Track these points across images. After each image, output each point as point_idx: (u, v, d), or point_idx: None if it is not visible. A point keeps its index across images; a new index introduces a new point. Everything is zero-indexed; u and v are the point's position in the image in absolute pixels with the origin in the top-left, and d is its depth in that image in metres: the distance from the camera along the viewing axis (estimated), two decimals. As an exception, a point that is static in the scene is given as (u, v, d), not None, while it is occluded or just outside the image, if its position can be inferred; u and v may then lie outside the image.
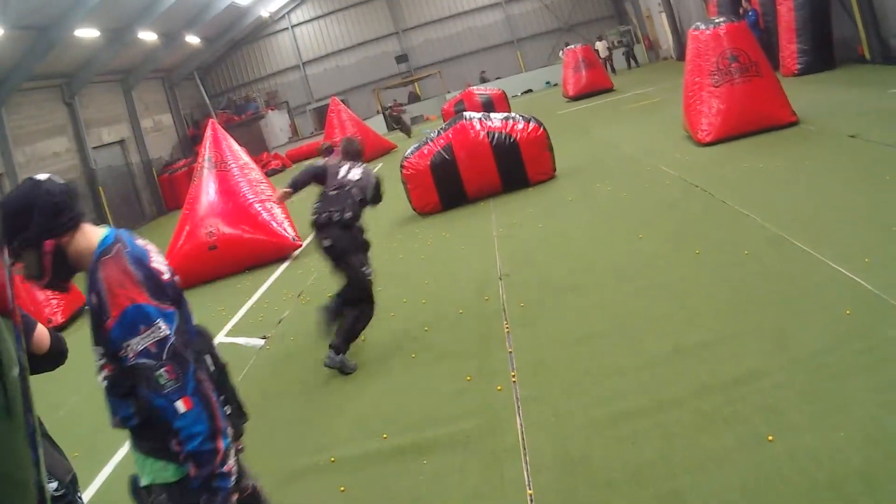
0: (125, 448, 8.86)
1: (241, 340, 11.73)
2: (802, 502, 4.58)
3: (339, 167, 9.57)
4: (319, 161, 10.23)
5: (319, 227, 9.30)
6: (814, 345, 6.39)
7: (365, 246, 9.49)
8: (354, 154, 9.83)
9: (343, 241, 9.15)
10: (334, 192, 9.28)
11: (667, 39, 43.94)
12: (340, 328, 9.22)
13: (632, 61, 46.10)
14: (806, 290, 7.54)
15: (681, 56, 30.71)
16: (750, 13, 25.02)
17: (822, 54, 21.45)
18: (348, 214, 9.10)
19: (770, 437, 5.26)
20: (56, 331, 4.74)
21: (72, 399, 11.44)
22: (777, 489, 4.76)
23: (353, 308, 9.31)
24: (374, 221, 17.96)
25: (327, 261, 9.42)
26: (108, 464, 8.58)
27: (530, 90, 50.48)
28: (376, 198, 9.74)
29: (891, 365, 5.73)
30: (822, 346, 6.32)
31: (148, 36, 38.57)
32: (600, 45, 45.12)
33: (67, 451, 9.16)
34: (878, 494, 4.47)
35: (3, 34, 25.99)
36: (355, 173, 9.47)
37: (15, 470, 1.42)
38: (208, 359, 4.01)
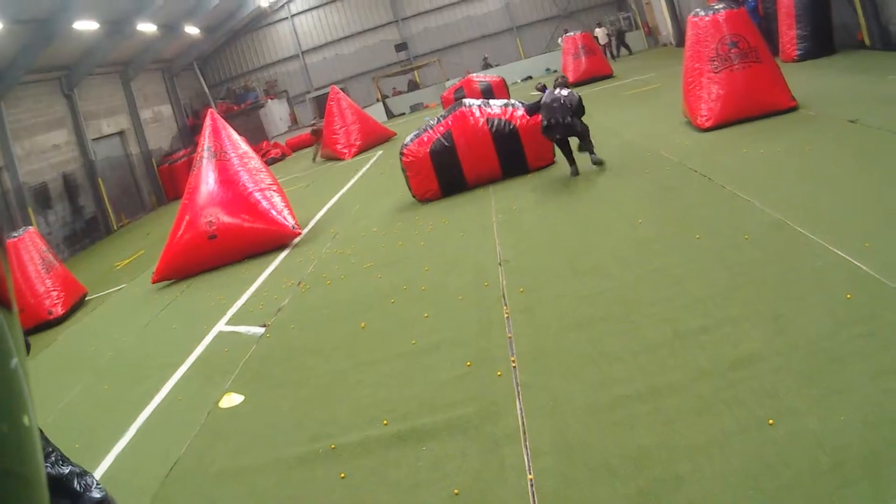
0: (126, 438, 8.93)
1: (241, 329, 11.75)
2: (804, 486, 4.58)
3: (554, 90, 15.05)
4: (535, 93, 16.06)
5: (551, 128, 14.91)
6: (813, 329, 6.39)
7: (583, 128, 15.12)
8: (563, 83, 15.37)
9: (568, 130, 14.90)
10: (557, 105, 14.76)
11: (666, 26, 43.80)
12: (582, 147, 15.32)
13: (622, 49, 45.48)
14: (805, 275, 7.54)
15: (680, 42, 30.61)
16: (749, -1, 24.98)
17: (822, 40, 21.37)
18: (567, 118, 14.68)
19: (770, 421, 5.26)
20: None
21: (73, 391, 11.47)
22: (778, 473, 4.76)
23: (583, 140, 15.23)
24: (373, 208, 18.11)
25: (561, 145, 15.29)
26: (109, 454, 8.61)
27: (530, 77, 50.30)
28: (580, 110, 14.99)
29: (891, 349, 5.73)
30: (822, 331, 6.31)
31: (147, 27, 38.30)
32: (599, 32, 44.94)
33: (68, 443, 9.26)
34: (879, 479, 4.47)
35: (3, 28, 25.85)
36: (564, 92, 14.91)
37: (20, 466, 1.42)
38: None
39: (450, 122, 16.73)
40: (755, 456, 4.99)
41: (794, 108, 15.00)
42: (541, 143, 16.57)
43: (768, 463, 4.88)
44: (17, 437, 1.40)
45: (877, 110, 13.35)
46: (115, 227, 34.31)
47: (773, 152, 12.54)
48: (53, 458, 6.26)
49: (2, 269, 1.47)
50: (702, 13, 16.12)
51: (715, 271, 8.32)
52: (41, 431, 5.65)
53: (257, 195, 16.67)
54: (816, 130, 13.29)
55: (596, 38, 41.20)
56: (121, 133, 39.36)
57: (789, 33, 21.68)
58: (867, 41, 20.40)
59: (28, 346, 7.46)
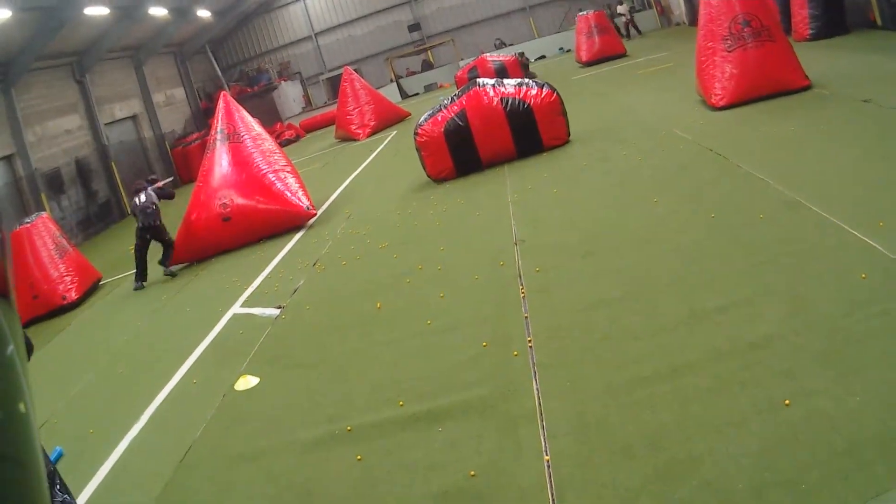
0: (140, 423, 8.96)
1: (256, 311, 11.79)
2: (819, 468, 4.60)
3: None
4: None
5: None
6: (829, 309, 6.39)
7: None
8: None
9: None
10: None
11: (679, 5, 43.61)
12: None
13: (632, 29, 44.93)
14: (821, 254, 7.54)
15: (693, 22, 30.52)
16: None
17: (834, 19, 21.21)
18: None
19: (786, 402, 5.27)
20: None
21: (87, 376, 11.53)
22: (794, 454, 4.77)
23: None
24: (388, 188, 18.12)
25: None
26: (123, 439, 8.65)
27: (543, 56, 50.16)
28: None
29: (907, 328, 5.73)
30: (838, 311, 6.32)
31: (158, 11, 38.32)
32: (622, 9, 44.79)
33: (82, 429, 9.32)
34: (895, 460, 4.47)
35: (13, 16, 25.83)
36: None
37: (16, 452, 1.43)
38: None
39: (464, 102, 16.71)
40: (771, 436, 5.00)
41: (807, 88, 14.94)
42: (555, 123, 16.58)
43: (784, 444, 4.89)
44: (13, 424, 1.41)
45: (890, 90, 13.29)
46: (129, 211, 34.25)
47: (787, 131, 12.50)
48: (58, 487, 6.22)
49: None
50: (715, -8, 16.07)
51: (731, 250, 8.32)
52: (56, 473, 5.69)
53: (271, 176, 16.71)
54: (830, 110, 13.24)
55: (619, 14, 41.21)
56: (133, 117, 39.41)
57: (801, 12, 21.56)
58: (879, 21, 20.29)
59: (30, 348, 7.47)
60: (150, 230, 15.80)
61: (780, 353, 5.95)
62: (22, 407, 1.44)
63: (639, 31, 44.27)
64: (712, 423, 5.33)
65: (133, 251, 16.11)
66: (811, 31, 21.35)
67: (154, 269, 16.42)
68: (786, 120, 13.24)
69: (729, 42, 15.46)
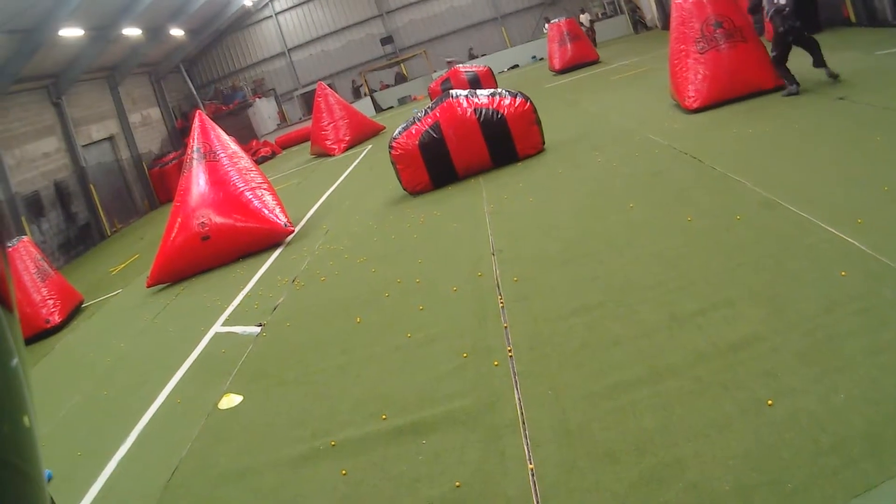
0: (127, 444, 8.92)
1: (237, 329, 11.73)
2: (806, 467, 4.56)
3: None
4: None
5: (785, 16, 14.80)
6: (809, 308, 6.38)
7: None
8: None
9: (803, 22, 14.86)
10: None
11: (650, 9, 43.82)
12: (818, 59, 14.86)
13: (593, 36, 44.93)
14: (799, 253, 7.53)
15: (665, 26, 30.65)
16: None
17: (808, 18, 21.32)
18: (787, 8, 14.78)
19: (770, 402, 5.24)
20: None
21: (73, 399, 11.46)
22: (780, 454, 4.74)
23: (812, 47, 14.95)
24: (365, 203, 18.10)
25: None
26: (111, 461, 8.58)
27: (517, 65, 50.41)
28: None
29: (887, 325, 5.72)
30: (818, 309, 6.30)
31: (132, 32, 38.45)
32: (584, 18, 44.99)
33: (70, 452, 9.26)
34: (882, 457, 4.45)
35: (-13, 40, 25.94)
36: None
37: (22, 463, 1.42)
38: None
39: (437, 114, 16.68)
40: (756, 437, 4.97)
41: (781, 87, 14.98)
42: (529, 132, 16.59)
43: (769, 444, 4.86)
44: (19, 435, 1.42)
45: (865, 87, 13.39)
46: (109, 233, 34.35)
47: (762, 131, 12.54)
48: None
49: (2, 270, 1.46)
50: (686, -5, 16.11)
51: (709, 253, 8.31)
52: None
53: (248, 194, 16.63)
54: (804, 108, 13.30)
55: (581, 24, 41.24)
56: (110, 138, 39.38)
57: (774, 12, 21.65)
58: (853, 18, 20.41)
59: None
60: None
61: (762, 353, 5.92)
62: (26, 419, 1.45)
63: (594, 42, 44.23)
64: (696, 426, 5.30)
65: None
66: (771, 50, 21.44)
67: (134, 292, 16.31)
68: (760, 120, 13.29)
69: (701, 44, 15.51)
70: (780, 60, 14.88)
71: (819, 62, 14.83)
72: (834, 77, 14.59)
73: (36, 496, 1.47)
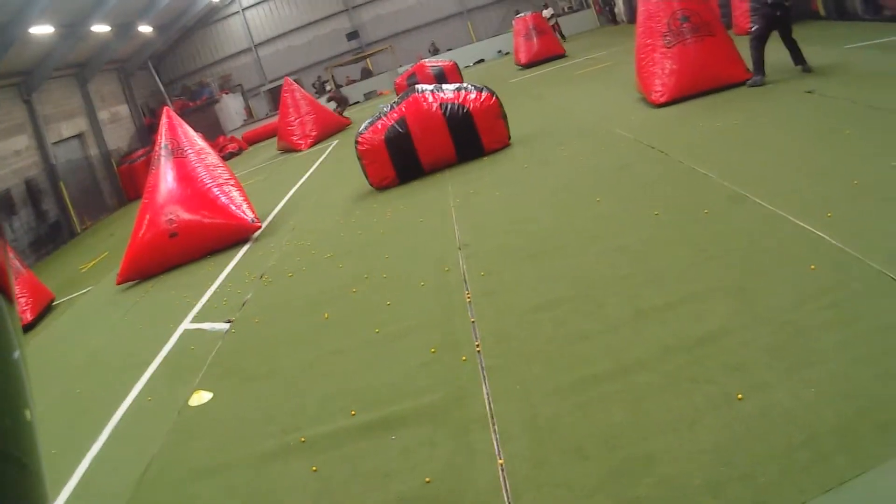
0: (100, 442, 8.84)
1: (206, 326, 11.66)
2: (777, 461, 4.54)
3: None
4: None
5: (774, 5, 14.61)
6: (778, 301, 6.37)
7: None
8: None
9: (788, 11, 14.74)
10: None
11: (618, 3, 43.95)
12: (797, 55, 15.07)
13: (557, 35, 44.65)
14: (768, 247, 7.53)
15: (632, 20, 30.76)
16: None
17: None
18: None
19: (740, 396, 5.22)
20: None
21: (46, 397, 11.34)
22: (751, 448, 4.71)
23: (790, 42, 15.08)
24: (331, 198, 18.04)
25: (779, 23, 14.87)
26: (84, 458, 8.49)
27: (482, 60, 50.48)
28: None
29: (857, 319, 5.72)
30: (788, 303, 6.29)
31: (101, 28, 38.33)
32: (546, 13, 45.07)
33: (43, 449, 9.12)
34: (854, 451, 4.42)
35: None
36: None
37: (23, 456, 1.48)
38: None
39: (403, 109, 16.63)
40: (726, 432, 4.94)
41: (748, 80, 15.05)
42: (495, 126, 16.58)
43: (739, 438, 4.83)
44: (20, 428, 1.47)
45: (834, 80, 13.48)
46: (79, 230, 34.15)
47: (729, 125, 12.57)
48: None
49: (3, 261, 1.43)
50: (652, -11, 16.13)
51: (676, 247, 8.30)
52: None
53: (216, 191, 16.54)
54: (773, 102, 13.35)
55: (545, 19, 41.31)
56: (80, 135, 39.13)
57: (742, 6, 21.74)
58: (822, 12, 20.56)
59: None
60: None
61: (731, 347, 5.90)
62: (28, 413, 1.50)
63: (562, 37, 44.21)
64: (665, 420, 5.26)
65: None
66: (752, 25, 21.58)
67: (104, 290, 16.18)
68: (728, 113, 13.34)
69: (668, 38, 15.53)
70: (760, 39, 14.92)
71: (799, 60, 15.00)
72: (809, 71, 14.69)
73: (36, 489, 1.51)
